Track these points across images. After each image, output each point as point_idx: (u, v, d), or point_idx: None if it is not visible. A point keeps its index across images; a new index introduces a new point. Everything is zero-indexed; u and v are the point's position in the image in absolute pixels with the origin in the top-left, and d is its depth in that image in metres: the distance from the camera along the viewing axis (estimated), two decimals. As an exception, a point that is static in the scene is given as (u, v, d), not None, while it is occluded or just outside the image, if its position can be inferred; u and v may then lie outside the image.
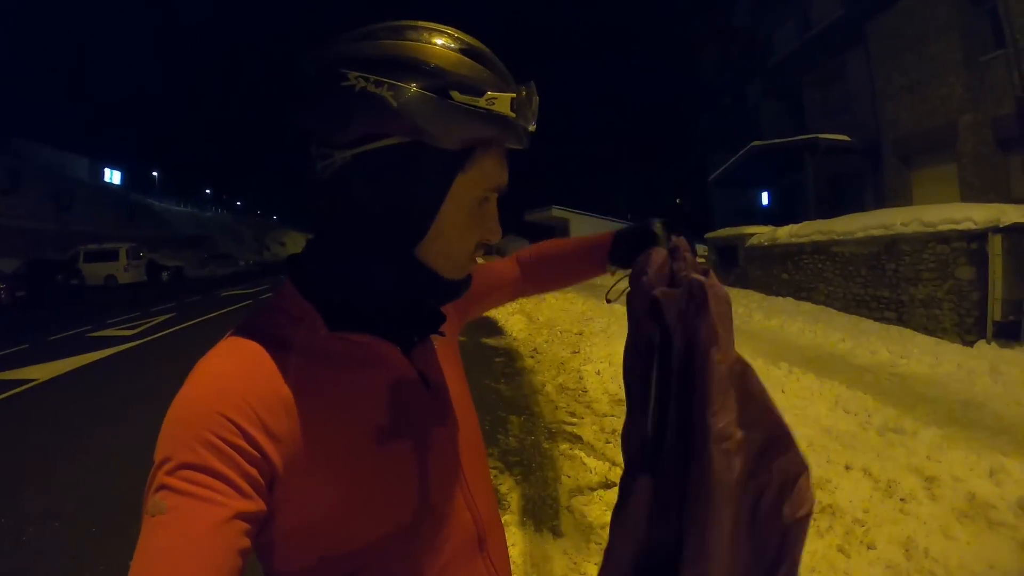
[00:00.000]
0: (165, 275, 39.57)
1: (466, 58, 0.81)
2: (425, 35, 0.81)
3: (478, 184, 0.86)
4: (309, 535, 0.80)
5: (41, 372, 10.27)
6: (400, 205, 0.83)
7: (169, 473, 0.70)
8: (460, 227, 0.87)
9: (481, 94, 0.80)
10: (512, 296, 1.54)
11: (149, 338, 13.74)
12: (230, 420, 0.73)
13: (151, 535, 0.67)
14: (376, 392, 0.89)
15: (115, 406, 7.84)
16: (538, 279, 1.53)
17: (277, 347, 0.83)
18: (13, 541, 4.47)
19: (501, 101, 0.82)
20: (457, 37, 0.83)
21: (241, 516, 0.70)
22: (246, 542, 0.70)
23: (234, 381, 0.77)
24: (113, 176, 71.94)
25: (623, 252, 1.35)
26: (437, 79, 0.78)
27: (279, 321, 0.87)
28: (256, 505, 0.72)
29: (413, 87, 0.77)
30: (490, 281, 1.42)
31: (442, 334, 1.02)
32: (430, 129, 0.78)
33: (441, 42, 0.81)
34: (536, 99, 0.89)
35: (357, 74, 0.78)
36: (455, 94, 0.79)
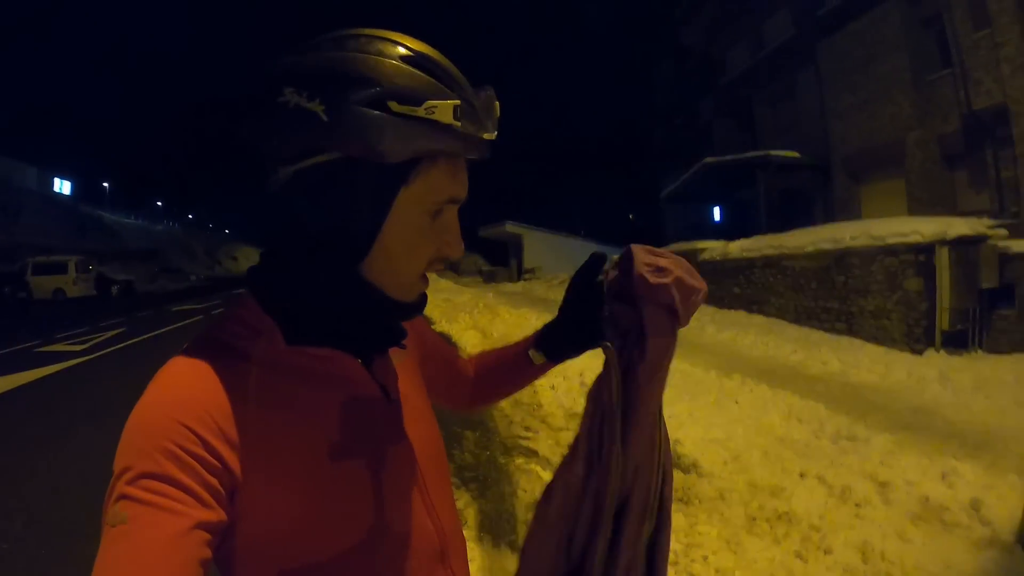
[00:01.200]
0: (115, 289, 38.80)
1: (406, 66, 0.78)
2: (366, 44, 0.79)
3: (425, 197, 0.82)
4: (269, 548, 0.79)
5: (-15, 388, 9.96)
6: (341, 222, 0.81)
7: (129, 483, 0.68)
8: (408, 244, 0.84)
9: (420, 103, 0.76)
10: (451, 401, 1.40)
11: (99, 353, 13.38)
12: (190, 429, 0.72)
13: (111, 545, 0.66)
14: (336, 405, 0.87)
15: (64, 424, 7.60)
16: (480, 393, 1.42)
17: (237, 358, 0.82)
18: (-43, 564, 4.33)
19: (442, 109, 0.77)
20: (403, 44, 0.80)
21: (202, 526, 0.69)
22: (207, 552, 0.69)
23: (194, 391, 0.76)
24: (63, 186, 70.73)
25: (553, 340, 1.28)
26: (372, 90, 0.76)
27: (239, 333, 0.85)
28: (216, 515, 0.71)
29: (348, 101, 0.75)
30: (448, 359, 1.35)
31: (403, 346, 1.00)
32: (366, 143, 0.76)
33: (383, 50, 0.79)
34: (495, 105, 0.87)
35: (292, 89, 0.77)
36: (392, 104, 0.76)
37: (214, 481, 0.72)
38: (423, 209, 0.83)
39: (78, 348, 14.12)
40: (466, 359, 1.41)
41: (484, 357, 1.42)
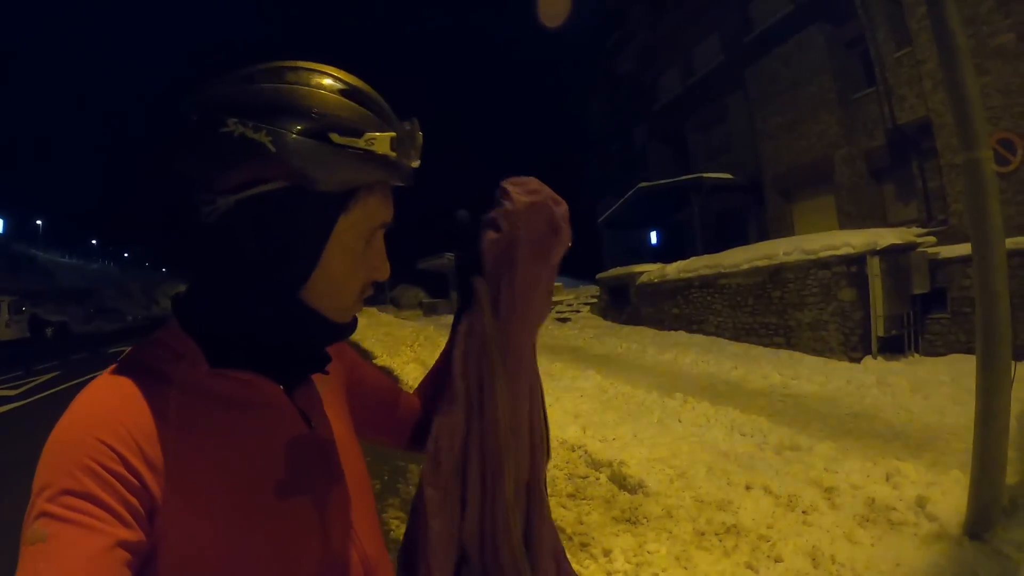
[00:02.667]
0: (49, 331, 37.93)
1: (345, 99, 0.80)
2: (305, 76, 0.80)
3: (361, 224, 0.84)
4: (185, 570, 0.75)
5: (-87, 435, 9.53)
6: (283, 249, 0.81)
7: (49, 500, 0.67)
8: (345, 268, 0.85)
9: (360, 135, 0.79)
10: (400, 439, 1.31)
11: (34, 397, 12.96)
12: (110, 447, 0.71)
13: (31, 563, 0.64)
14: (257, 430, 0.86)
15: (-4, 473, 7.30)
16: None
17: (158, 381, 0.81)
18: None
19: (380, 141, 0.80)
20: (338, 77, 0.82)
21: (122, 544, 0.67)
22: (127, 573, 0.67)
23: (113, 410, 0.75)
24: (-7, 224, 68.92)
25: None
26: (316, 122, 0.77)
27: (161, 356, 0.84)
28: (136, 535, 0.69)
29: (292, 132, 0.76)
30: (388, 394, 1.28)
31: (325, 372, 0.98)
32: (310, 172, 0.77)
33: (321, 83, 0.80)
34: (419, 135, 0.89)
35: (235, 120, 0.75)
36: (334, 136, 0.77)
37: (134, 500, 0.71)
38: (359, 235, 0.84)
39: (12, 393, 13.65)
40: (411, 395, 1.34)
41: (422, 385, 1.36)
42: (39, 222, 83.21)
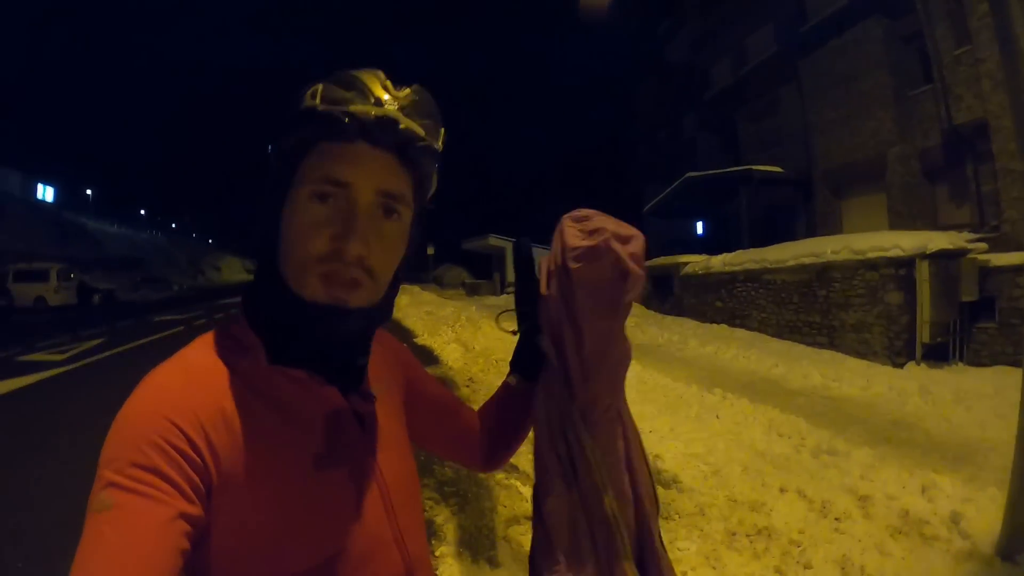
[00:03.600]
0: (96, 298, 38.50)
1: (323, 81, 0.86)
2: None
3: (307, 177, 0.85)
4: (237, 558, 0.80)
5: (-38, 398, 9.84)
6: (261, 220, 0.91)
7: (116, 471, 0.71)
8: (297, 229, 0.85)
9: (297, 100, 0.86)
10: (463, 456, 1.35)
11: (79, 363, 13.17)
12: (177, 426, 0.75)
13: (96, 529, 0.68)
14: (311, 426, 0.90)
15: (41, 435, 7.51)
16: (493, 448, 1.34)
17: (223, 369, 0.86)
18: (-75, 579, 4.27)
19: (307, 95, 0.84)
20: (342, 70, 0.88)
21: (184, 517, 0.71)
22: (187, 544, 0.71)
23: (182, 393, 0.79)
24: (46, 192, 70.03)
25: (524, 358, 1.28)
26: (282, 106, 0.88)
27: (228, 346, 0.89)
28: (197, 510, 0.73)
29: (273, 119, 0.89)
30: (451, 409, 1.31)
31: (368, 395, 0.98)
32: (273, 147, 0.89)
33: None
34: (373, 78, 0.87)
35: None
36: (288, 110, 0.87)
37: (195, 477, 0.75)
38: (306, 191, 0.85)
39: (58, 358, 13.95)
40: (472, 411, 1.36)
41: (484, 405, 1.37)
42: (89, 192, 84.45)
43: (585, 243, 0.99)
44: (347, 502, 0.90)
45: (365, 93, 0.84)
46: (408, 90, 0.87)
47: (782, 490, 4.76)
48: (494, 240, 39.09)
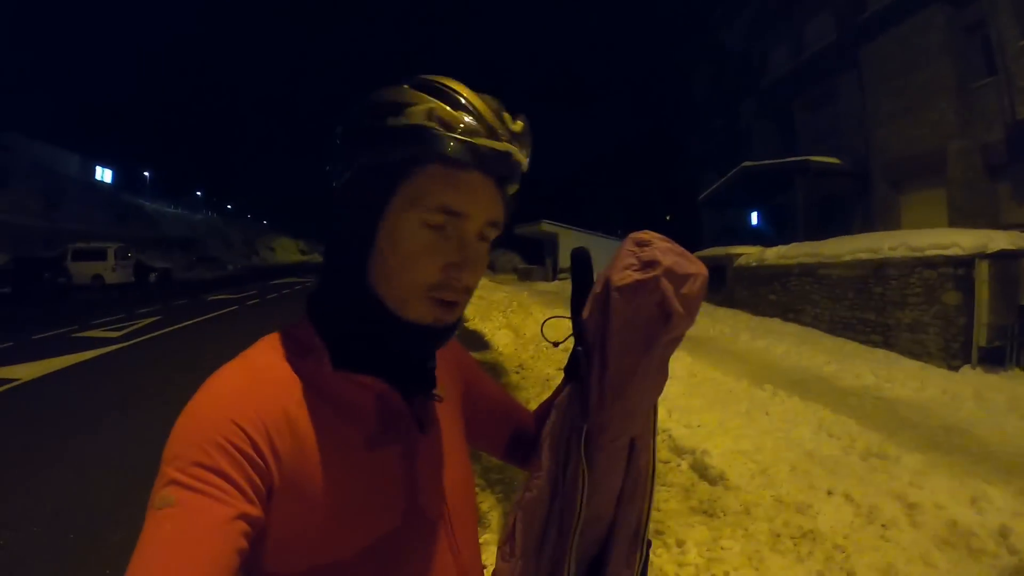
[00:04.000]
0: (153, 276, 39.22)
1: (409, 87, 0.84)
2: (402, 83, 0.86)
3: (417, 202, 0.83)
4: (292, 560, 0.82)
5: (24, 372, 10.17)
6: (350, 230, 0.88)
7: (179, 470, 0.73)
8: (403, 252, 0.85)
9: (401, 111, 0.81)
10: (511, 455, 1.34)
11: (134, 341, 13.60)
12: (241, 428, 0.76)
13: (157, 526, 0.69)
14: (372, 431, 0.90)
15: (96, 410, 7.77)
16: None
17: (287, 372, 0.86)
18: (-12, 545, 4.45)
19: (415, 113, 0.81)
20: (426, 77, 0.86)
21: (243, 517, 0.72)
22: (245, 544, 0.72)
23: (248, 394, 0.81)
24: (104, 174, 71.55)
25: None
26: (371, 111, 0.84)
27: (291, 349, 0.90)
28: (257, 511, 0.75)
29: (360, 123, 0.85)
30: (508, 410, 1.32)
31: (435, 397, 0.99)
32: (361, 156, 0.84)
33: (401, 80, 0.85)
34: (504, 115, 0.87)
35: (340, 126, 0.88)
36: (389, 119, 0.82)
37: (257, 479, 0.76)
38: (417, 217, 0.84)
39: (114, 335, 14.37)
40: (528, 412, 1.37)
41: (541, 406, 1.36)
42: (147, 174, 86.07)
43: (634, 276, 0.95)
44: (402, 509, 0.91)
45: (481, 121, 0.83)
46: (520, 123, 0.88)
47: (829, 492, 4.71)
48: (546, 226, 39.00)
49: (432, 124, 0.80)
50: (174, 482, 0.72)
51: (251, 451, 0.76)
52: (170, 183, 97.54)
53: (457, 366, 1.18)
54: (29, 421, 7.48)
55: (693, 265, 0.98)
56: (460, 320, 0.94)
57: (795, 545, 4.01)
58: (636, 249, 0.98)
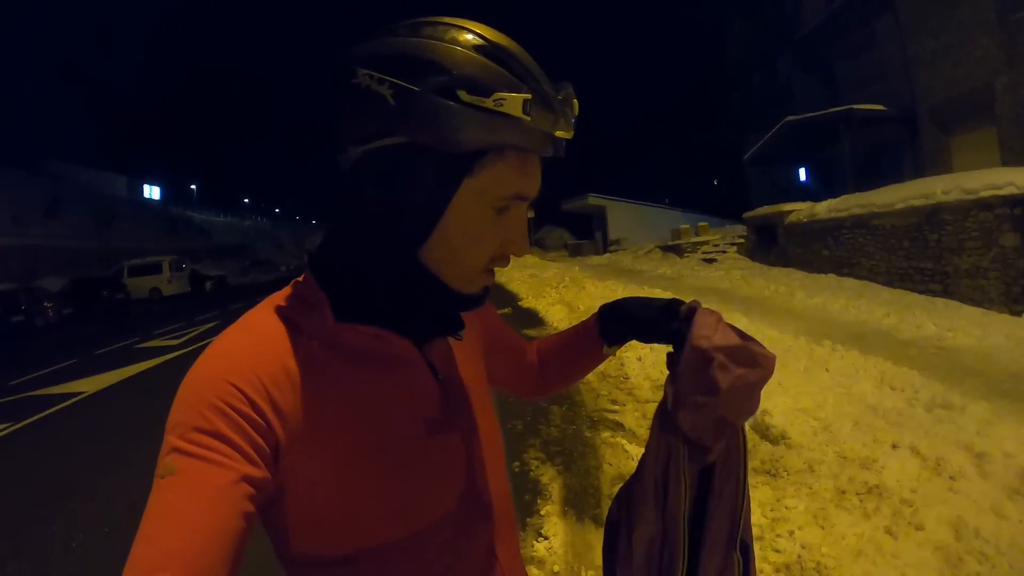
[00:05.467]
0: (208, 284, 40.23)
1: (478, 55, 0.77)
2: (441, 31, 0.79)
3: (489, 191, 0.81)
4: (316, 520, 0.82)
5: (89, 385, 10.54)
6: (402, 205, 0.82)
7: (180, 437, 0.73)
8: (470, 236, 0.84)
9: (489, 94, 0.76)
10: (517, 389, 1.40)
11: (194, 347, 13.96)
12: (238, 389, 0.76)
13: (160, 495, 0.70)
14: (382, 380, 0.89)
15: (161, 415, 7.81)
16: (546, 381, 1.40)
17: (289, 329, 0.85)
18: (63, 547, 4.63)
19: (511, 102, 0.77)
20: (478, 33, 0.79)
21: (247, 480, 0.72)
22: (250, 507, 0.72)
23: (244, 354, 0.80)
24: (152, 191, 73.62)
25: (614, 329, 1.25)
26: (441, 77, 0.75)
27: (293, 306, 0.89)
28: (261, 472, 0.74)
29: (416, 86, 0.75)
30: (515, 347, 1.35)
31: (458, 337, 1.00)
32: (432, 130, 0.76)
33: (456, 38, 0.78)
34: (573, 102, 0.86)
35: (365, 71, 0.77)
36: (462, 94, 0.75)
37: (259, 440, 0.75)
38: (487, 202, 0.82)
39: (174, 343, 14.84)
40: (530, 345, 1.40)
41: (545, 342, 1.41)
42: (193, 187, 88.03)
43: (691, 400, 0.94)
44: (423, 455, 0.90)
45: (568, 118, 0.84)
46: (577, 103, 0.87)
47: (894, 446, 4.61)
48: (593, 199, 39.01)
49: (527, 118, 0.78)
50: (175, 450, 0.72)
51: (250, 411, 0.75)
52: (217, 193, 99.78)
53: (475, 314, 1.15)
54: (96, 430, 7.76)
55: (759, 367, 0.95)
56: None
57: (861, 501, 3.94)
58: (700, 338, 0.96)
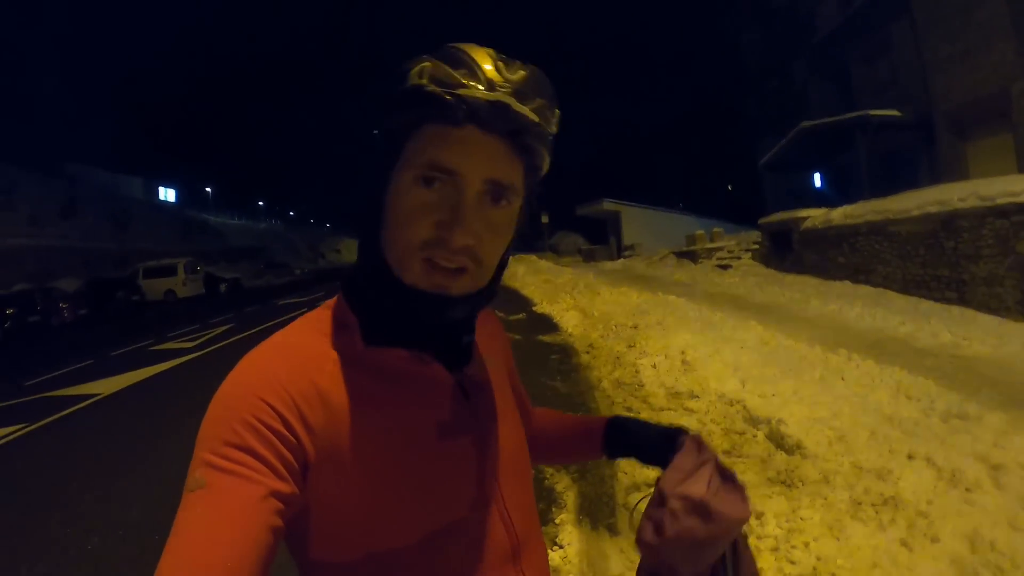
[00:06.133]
0: (223, 287, 40.37)
1: (423, 56, 0.82)
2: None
3: (411, 161, 0.82)
4: (338, 534, 0.83)
5: (104, 387, 10.60)
6: (362, 200, 0.90)
7: (210, 451, 0.74)
8: (402, 214, 0.83)
9: (404, 76, 0.81)
10: None
11: (209, 349, 14.04)
12: (269, 405, 0.77)
13: (189, 508, 0.71)
14: (413, 402, 0.90)
15: (176, 417, 7.99)
16: (535, 452, 1.30)
17: (319, 348, 0.87)
18: (78, 550, 4.64)
19: (413, 75, 0.80)
20: (448, 45, 0.83)
21: (275, 495, 0.73)
22: (278, 521, 0.73)
23: (276, 372, 0.81)
24: (167, 194, 74.29)
25: (619, 444, 1.26)
26: (385, 79, 0.84)
27: (326, 327, 0.91)
28: (289, 487, 0.76)
29: (374, 97, 0.86)
30: (521, 403, 1.29)
31: (471, 371, 1.00)
32: (370, 123, 0.86)
33: (419, 55, 0.83)
34: (480, 57, 0.82)
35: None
36: (393, 86, 0.83)
37: (289, 455, 0.77)
38: (410, 175, 0.82)
39: (189, 345, 14.88)
40: (533, 411, 1.39)
41: (547, 420, 1.40)
42: (208, 189, 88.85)
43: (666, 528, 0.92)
44: (451, 475, 0.91)
45: (476, 74, 0.80)
46: (522, 71, 0.83)
47: (910, 457, 4.57)
48: (608, 205, 38.99)
49: (425, 82, 0.79)
50: (205, 463, 0.73)
51: (281, 427, 0.77)
52: (232, 196, 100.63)
53: (502, 346, 1.20)
54: (111, 433, 7.78)
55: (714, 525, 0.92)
56: (479, 296, 0.90)
57: (876, 513, 3.90)
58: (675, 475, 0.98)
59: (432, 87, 0.79)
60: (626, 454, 1.24)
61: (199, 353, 13.53)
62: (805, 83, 29.08)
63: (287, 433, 0.77)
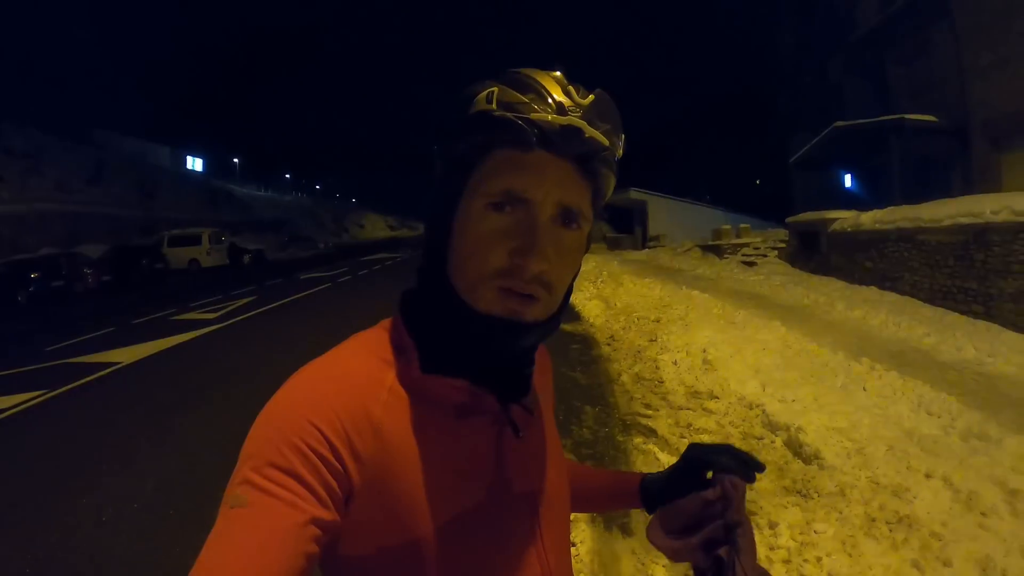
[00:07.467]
0: (247, 258, 40.48)
1: (496, 81, 0.83)
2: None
3: (480, 187, 0.82)
4: (374, 562, 0.81)
5: (125, 355, 10.72)
6: (432, 226, 0.90)
7: (254, 469, 0.72)
8: (472, 241, 0.82)
9: (471, 102, 0.82)
10: None
11: (230, 321, 14.13)
12: (319, 430, 0.75)
13: (228, 525, 0.69)
14: (464, 435, 0.89)
15: (195, 389, 8.10)
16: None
17: (375, 375, 0.85)
18: (94, 520, 4.70)
19: (480, 100, 0.81)
20: (512, 70, 0.84)
21: (316, 522, 0.72)
22: (315, 549, 0.72)
23: (328, 395, 0.79)
24: (195, 163, 74.60)
25: (657, 497, 1.20)
26: (453, 106, 0.85)
27: (380, 349, 0.89)
28: (331, 515, 0.74)
29: (443, 119, 0.86)
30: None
31: (528, 405, 0.97)
32: (440, 148, 0.87)
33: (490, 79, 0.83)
34: (548, 82, 0.82)
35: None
36: (462, 112, 0.83)
37: (333, 483, 0.75)
38: (482, 202, 0.82)
39: (211, 316, 15.00)
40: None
41: (578, 474, 1.33)
42: (235, 160, 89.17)
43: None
44: (493, 513, 0.89)
45: (544, 98, 0.80)
46: (591, 95, 0.83)
47: (927, 475, 4.54)
48: (635, 194, 38.71)
49: (493, 107, 0.79)
50: (248, 482, 0.72)
51: (328, 454, 0.75)
52: (259, 167, 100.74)
53: (548, 381, 1.17)
54: (129, 403, 7.87)
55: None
56: (549, 324, 0.89)
57: (891, 531, 3.88)
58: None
59: (501, 112, 0.79)
60: (664, 501, 1.17)
61: (220, 325, 13.60)
62: (840, 80, 28.63)
63: (334, 461, 0.76)
